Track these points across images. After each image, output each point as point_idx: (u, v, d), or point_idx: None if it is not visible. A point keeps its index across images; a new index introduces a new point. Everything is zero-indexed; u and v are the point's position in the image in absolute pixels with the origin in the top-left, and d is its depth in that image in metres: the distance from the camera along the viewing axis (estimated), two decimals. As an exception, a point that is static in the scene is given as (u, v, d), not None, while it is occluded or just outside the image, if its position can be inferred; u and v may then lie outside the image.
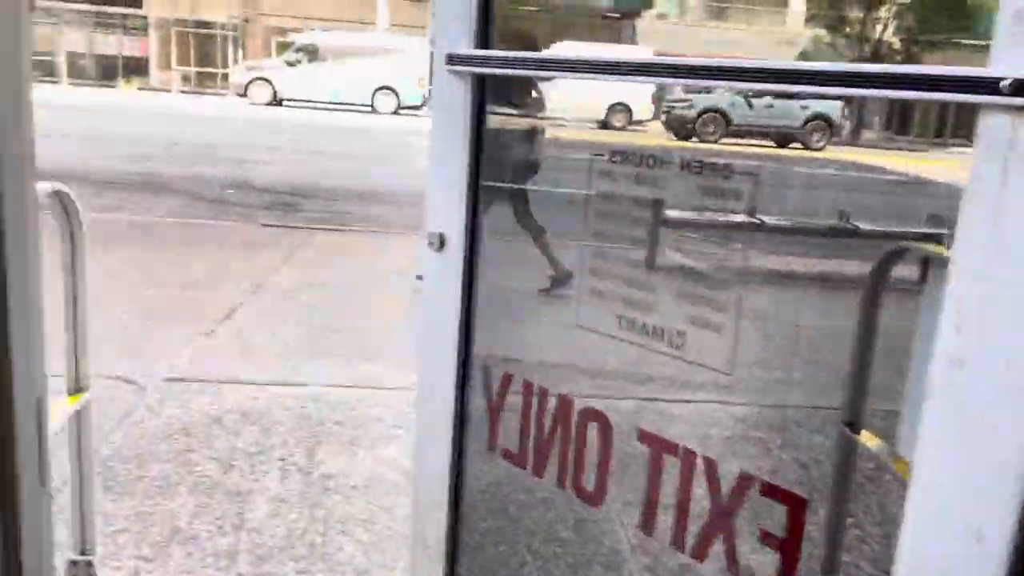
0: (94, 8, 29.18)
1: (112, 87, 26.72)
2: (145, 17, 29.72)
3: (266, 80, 23.93)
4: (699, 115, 22.67)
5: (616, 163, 1.33)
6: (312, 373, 3.39)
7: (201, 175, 9.59)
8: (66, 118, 14.76)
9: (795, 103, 24.47)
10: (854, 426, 1.89)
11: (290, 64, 24.24)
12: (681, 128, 23.20)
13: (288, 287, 4.87)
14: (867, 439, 1.86)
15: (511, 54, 1.44)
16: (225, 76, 27.37)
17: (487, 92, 1.48)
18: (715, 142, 22.27)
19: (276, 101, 23.90)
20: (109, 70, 29.14)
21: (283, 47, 27.15)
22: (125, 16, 29.52)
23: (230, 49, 29.56)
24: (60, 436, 2.24)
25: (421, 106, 25.41)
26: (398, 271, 5.51)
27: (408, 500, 2.39)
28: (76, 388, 1.81)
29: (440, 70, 1.43)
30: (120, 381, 3.12)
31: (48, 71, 28.56)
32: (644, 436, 1.32)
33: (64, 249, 1.79)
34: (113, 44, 30.08)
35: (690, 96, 24.44)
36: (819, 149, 23.37)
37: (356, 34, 24.92)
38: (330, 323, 4.18)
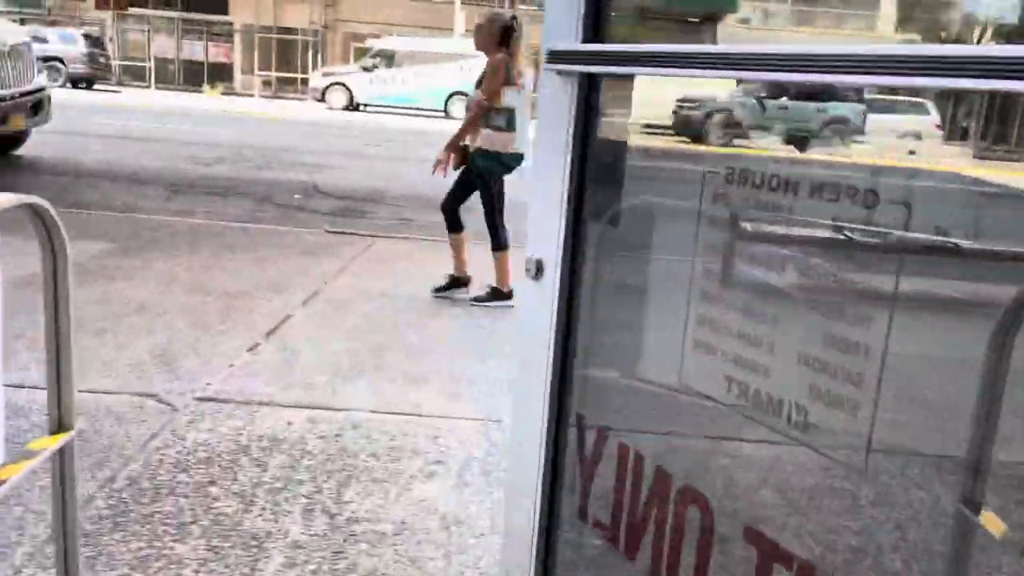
0: (183, 15, 30.17)
1: (198, 91, 27.52)
2: (231, 23, 30.58)
3: (343, 85, 24.25)
4: (707, 116, 22.23)
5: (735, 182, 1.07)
6: (353, 396, 3.17)
7: (272, 179, 9.60)
8: (149, 121, 15.16)
9: (811, 105, 23.22)
10: (974, 505, 1.53)
11: (367, 69, 24.51)
12: (687, 130, 22.65)
13: (342, 298, 4.69)
14: (990, 524, 1.50)
15: (632, 48, 1.14)
16: (304, 81, 27.88)
17: (599, 93, 1.22)
18: (724, 145, 21.60)
19: (353, 106, 24.19)
20: (195, 75, 30.08)
21: (361, 53, 27.51)
22: (212, 23, 30.43)
23: (310, 55, 30.13)
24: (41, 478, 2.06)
25: (495, 111, 25.30)
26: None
27: (443, 553, 2.13)
28: (58, 425, 1.60)
29: (544, 70, 1.21)
30: (151, 399, 2.95)
31: (138, 76, 29.66)
32: (749, 534, 1.05)
33: (44, 270, 1.59)
34: (200, 50, 31.05)
35: (698, 97, 23.50)
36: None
37: (432, 40, 25.00)
38: (380, 339, 3.96)
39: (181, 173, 9.52)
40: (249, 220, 7.19)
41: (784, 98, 23.00)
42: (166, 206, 7.63)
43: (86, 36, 25.38)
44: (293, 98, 28.62)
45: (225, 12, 30.27)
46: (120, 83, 27.82)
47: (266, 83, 30.46)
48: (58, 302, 1.56)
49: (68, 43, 24.34)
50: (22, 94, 8.41)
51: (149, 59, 29.97)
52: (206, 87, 28.08)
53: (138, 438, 2.63)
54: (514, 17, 4.65)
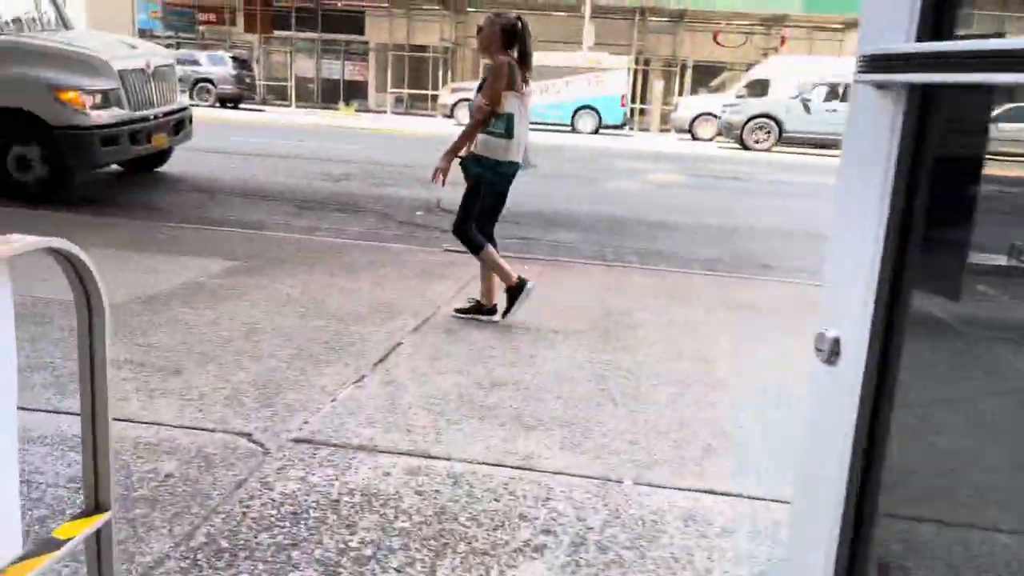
0: (322, 36, 31.48)
1: (334, 109, 28.56)
2: (366, 43, 31.63)
3: (471, 101, 24.40)
4: (747, 121, 20.65)
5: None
6: (458, 442, 2.87)
7: (396, 196, 9.59)
8: (286, 139, 15.70)
9: None
10: None
11: (494, 85, 24.59)
12: (729, 135, 21.37)
13: (455, 324, 4.44)
14: None
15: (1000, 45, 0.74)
16: (435, 97, 28.37)
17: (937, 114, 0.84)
18: (766, 151, 20.28)
19: (480, 121, 24.27)
20: (332, 93, 31.28)
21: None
22: (349, 43, 31.57)
23: (440, 71, 30.68)
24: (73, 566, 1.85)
25: (622, 125, 24.86)
26: (577, 308, 4.92)
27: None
28: (94, 506, 1.36)
29: (856, 81, 0.88)
30: (244, 439, 2.76)
31: (280, 95, 31.15)
32: None
33: (78, 326, 1.35)
34: (337, 69, 32.29)
35: (739, 100, 22.00)
36: None
37: (558, 54, 24.83)
38: (492, 373, 3.66)
39: (310, 190, 9.67)
40: (370, 238, 7.12)
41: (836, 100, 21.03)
42: (292, 222, 7.69)
43: (234, 58, 26.88)
44: (423, 114, 29.20)
45: (361, 32, 31.34)
46: (264, 102, 29.30)
47: (398, 100, 31.28)
48: (94, 363, 1.31)
49: (218, 65, 25.84)
50: (165, 114, 8.76)
51: (290, 79, 31.43)
52: (341, 105, 29.11)
53: (225, 486, 2.43)
54: (519, 18, 4.37)
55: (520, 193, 10.29)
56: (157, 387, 3.17)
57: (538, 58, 22.84)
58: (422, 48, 31.45)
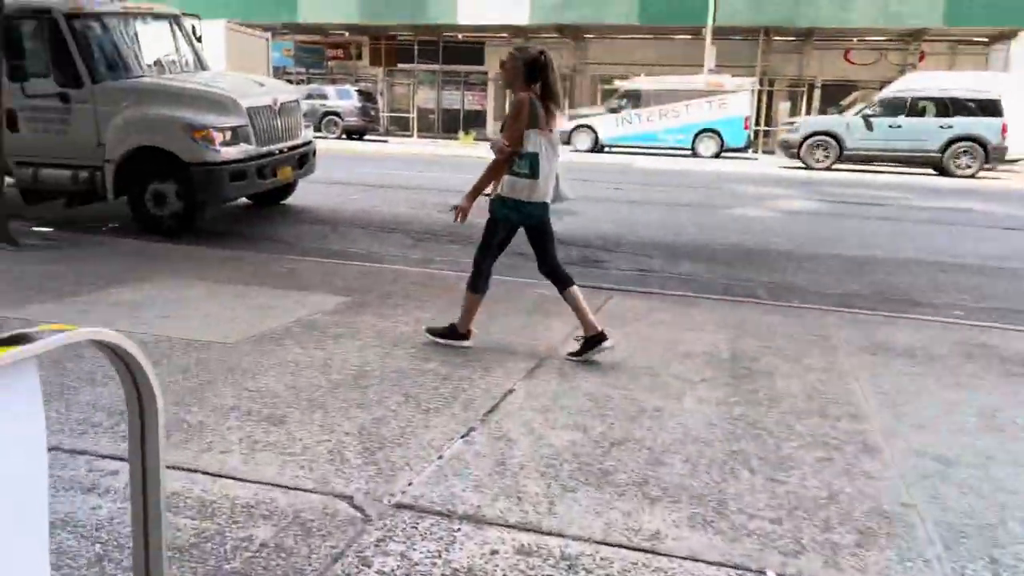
0: (443, 68, 32.21)
1: (454, 139, 29.07)
2: (485, 73, 32.11)
3: (588, 127, 24.27)
4: (804, 139, 19.88)
5: None
6: (572, 514, 2.58)
7: (511, 226, 9.44)
8: (407, 169, 15.97)
9: (933, 122, 19.46)
10: None
11: (612, 110, 24.36)
12: (786, 153, 20.63)
13: (569, 369, 4.16)
14: None
15: None
16: (552, 125, 28.33)
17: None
18: (825, 169, 19.41)
19: (598, 147, 24.11)
20: (453, 123, 31.89)
21: (608, 94, 27.50)
22: (468, 74, 32.17)
23: (558, 98, 30.67)
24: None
25: (745, 148, 24.02)
26: (703, 351, 4.54)
27: None
28: (146, 634, 1.17)
29: None
30: (344, 502, 2.58)
31: (403, 126, 32.04)
32: None
33: (129, 427, 1.17)
34: (457, 100, 32.93)
35: (795, 118, 20.92)
36: (969, 176, 18.65)
37: (679, 77, 24.31)
38: (611, 428, 3.36)
39: (426, 221, 9.68)
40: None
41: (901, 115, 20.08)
42: (408, 255, 7.66)
43: (359, 92, 27.86)
44: (540, 141, 29.21)
45: (481, 63, 31.85)
46: (387, 133, 30.20)
47: (516, 128, 31.47)
48: (146, 470, 1.12)
49: (344, 99, 26.83)
50: (290, 148, 8.99)
51: (412, 110, 32.28)
52: (461, 134, 29.59)
53: (321, 559, 2.24)
54: (542, 52, 4.18)
55: (639, 222, 9.99)
56: (260, 438, 3.05)
57: (656, 82, 22.59)
58: (539, 76, 31.59)
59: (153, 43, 8.88)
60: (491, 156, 4.26)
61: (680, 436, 3.31)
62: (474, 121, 32.07)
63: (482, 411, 3.47)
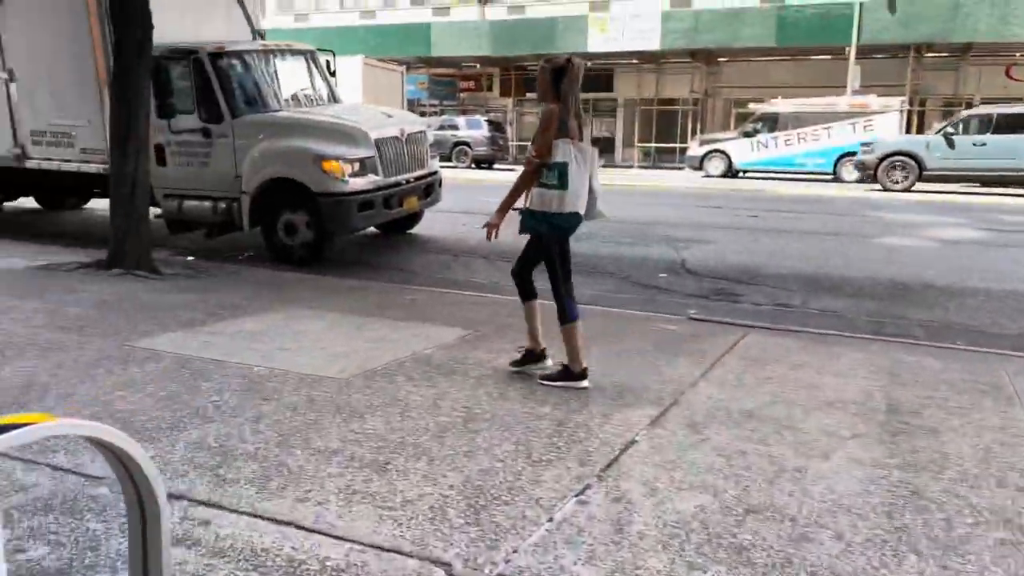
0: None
1: (581, 166, 28.84)
2: (615, 99, 31.86)
3: (722, 152, 23.48)
4: (881, 160, 18.81)
5: None
6: (701, 600, 2.22)
7: (637, 256, 9.08)
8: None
9: (1022, 139, 17.67)
10: None
11: (747, 135, 23.47)
12: (863, 175, 19.51)
13: (700, 417, 3.76)
14: None
15: None
16: (683, 150, 27.71)
17: None
18: (904, 191, 18.21)
19: (731, 173, 23.27)
20: (581, 150, 31.69)
21: (742, 118, 26.58)
22: (598, 100, 32.00)
23: (689, 123, 29.99)
24: None
25: (895, 172, 22.44)
26: (852, 400, 4.02)
27: None
28: None
29: None
30: (437, 568, 2.32)
31: (531, 154, 32.13)
32: None
33: (129, 531, 0.95)
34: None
35: (869, 139, 20.14)
36: None
37: (820, 99, 23.11)
38: (746, 492, 2.95)
39: (550, 250, 9.46)
40: (606, 302, 6.65)
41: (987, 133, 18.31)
42: (529, 286, 7.45)
43: (489, 121, 28.25)
44: (670, 167, 28.63)
45: (610, 89, 31.63)
46: (515, 162, 30.40)
47: (645, 154, 31.00)
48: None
49: (474, 128, 27.27)
50: (417, 178, 9.04)
51: (541, 138, 32.37)
52: (589, 161, 29.36)
53: (408, 639, 2.00)
54: (569, 59, 4.07)
55: (777, 252, 9.35)
56: (360, 488, 2.86)
57: (795, 104, 21.67)
58: (671, 101, 31.00)
59: (290, 78, 9.20)
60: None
61: (829, 505, 2.86)
62: (603, 148, 31.80)
63: (599, 465, 3.15)
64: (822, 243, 10.33)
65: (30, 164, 9.19)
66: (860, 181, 20.12)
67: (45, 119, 8.90)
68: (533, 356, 4.39)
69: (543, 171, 4.01)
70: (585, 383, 4.14)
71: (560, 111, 3.99)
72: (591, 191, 4.14)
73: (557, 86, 4.02)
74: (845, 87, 24.05)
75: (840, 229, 11.76)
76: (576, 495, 2.88)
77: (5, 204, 11.00)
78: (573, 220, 4.09)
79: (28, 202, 11.58)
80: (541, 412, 3.76)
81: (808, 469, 3.19)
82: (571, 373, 4.17)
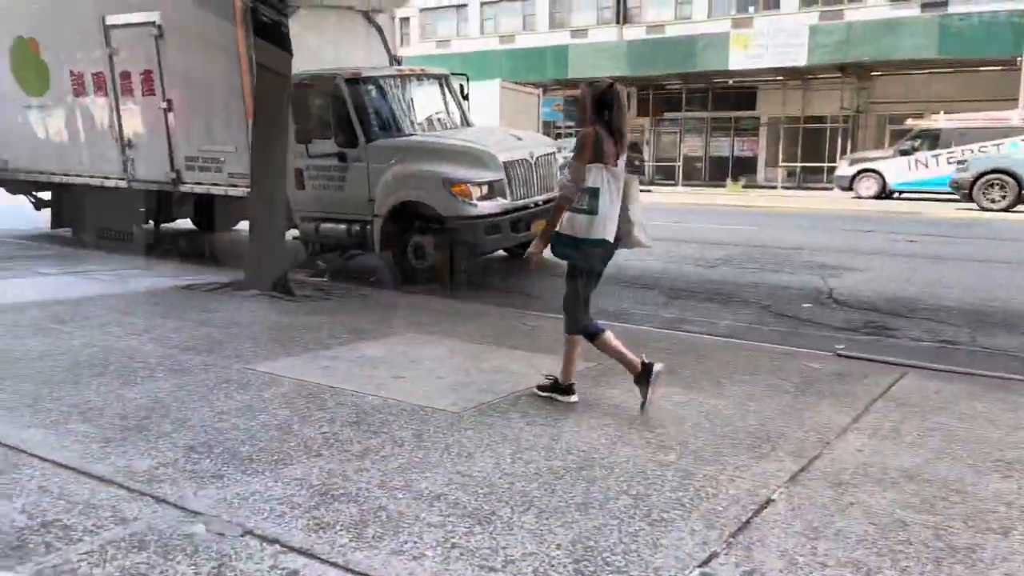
0: (712, 114, 31.28)
1: (721, 187, 27.94)
2: (757, 118, 30.66)
3: (874, 171, 21.99)
4: (976, 178, 17.59)
5: None
6: None
7: (779, 283, 8.48)
8: (667, 219, 15.38)
9: None
10: None
11: (904, 153, 21.84)
12: (958, 193, 18.31)
13: (847, 475, 3.29)
14: None
15: None
16: (831, 170, 26.23)
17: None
18: (1002, 211, 16.79)
19: (885, 194, 21.73)
20: (720, 170, 30.74)
21: (898, 135, 24.83)
22: (739, 119, 30.93)
23: (839, 142, 28.36)
24: None
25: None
26: (1039, 471, 3.41)
27: None
28: None
29: None
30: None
31: (668, 175, 31.50)
32: None
33: None
34: (726, 146, 31.74)
35: (966, 156, 18.84)
36: None
37: (988, 113, 21.19)
38: (906, 575, 2.50)
39: (683, 275, 9.03)
40: (743, 334, 6.18)
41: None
42: (659, 314, 7.08)
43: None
44: (817, 188, 27.16)
45: (752, 107, 30.49)
46: (651, 182, 29.83)
47: (790, 174, 29.58)
48: None
49: (609, 149, 26.92)
50: (545, 201, 8.86)
51: (678, 158, 31.65)
52: (729, 182, 28.37)
53: None
54: (611, 85, 4.01)
55: (938, 282, 8.47)
56: (460, 542, 2.64)
57: (958, 119, 20.16)
58: (818, 119, 29.45)
59: (423, 102, 9.29)
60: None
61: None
62: (744, 168, 30.66)
63: (728, 529, 2.78)
64: (992, 272, 9.29)
65: (183, 188, 9.74)
66: (956, 200, 18.93)
67: (197, 146, 9.41)
68: (643, 376, 4.13)
69: (577, 195, 3.96)
70: (574, 398, 4.17)
71: (596, 135, 3.91)
72: (628, 219, 4.11)
73: (597, 110, 3.96)
74: (1015, 100, 21.95)
75: (1013, 257, 10.59)
76: (699, 566, 2.53)
77: (163, 225, 11.74)
78: (602, 246, 4.02)
79: (184, 223, 12.33)
80: (665, 460, 3.42)
81: (983, 548, 2.68)
82: (558, 386, 4.18)
